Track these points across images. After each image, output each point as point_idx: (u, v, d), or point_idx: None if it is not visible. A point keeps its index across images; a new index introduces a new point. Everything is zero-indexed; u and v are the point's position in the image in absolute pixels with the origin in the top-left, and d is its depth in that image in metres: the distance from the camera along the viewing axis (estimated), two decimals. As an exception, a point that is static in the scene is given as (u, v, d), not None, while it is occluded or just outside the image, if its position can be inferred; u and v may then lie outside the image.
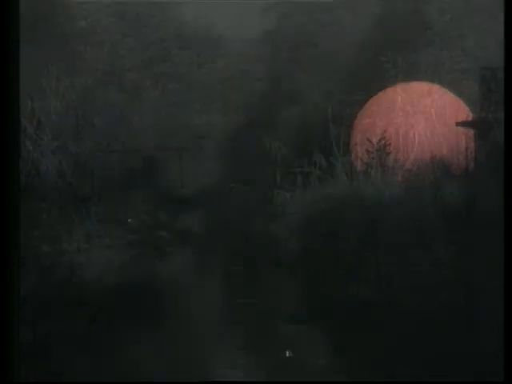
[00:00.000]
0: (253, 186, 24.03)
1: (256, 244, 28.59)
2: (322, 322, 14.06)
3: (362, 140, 22.72)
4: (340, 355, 12.10)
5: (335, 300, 15.57)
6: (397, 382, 10.01)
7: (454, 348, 11.27)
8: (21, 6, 7.71)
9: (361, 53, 28.60)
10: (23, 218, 7.52)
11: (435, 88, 22.39)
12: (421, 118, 22.01)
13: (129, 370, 11.31)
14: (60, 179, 20.39)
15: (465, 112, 21.04)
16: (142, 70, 28.95)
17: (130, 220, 16.56)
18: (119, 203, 23.94)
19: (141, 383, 10.69)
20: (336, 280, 17.35)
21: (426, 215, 16.37)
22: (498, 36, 24.18)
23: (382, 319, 13.14)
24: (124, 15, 29.25)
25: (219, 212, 43.58)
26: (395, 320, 12.91)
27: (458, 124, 20.80)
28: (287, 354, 11.29)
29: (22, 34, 7.19)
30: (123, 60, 28.38)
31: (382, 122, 22.96)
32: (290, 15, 43.99)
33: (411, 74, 23.76)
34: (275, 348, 12.40)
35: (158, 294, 17.84)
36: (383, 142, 22.32)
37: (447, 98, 21.98)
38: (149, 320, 15.20)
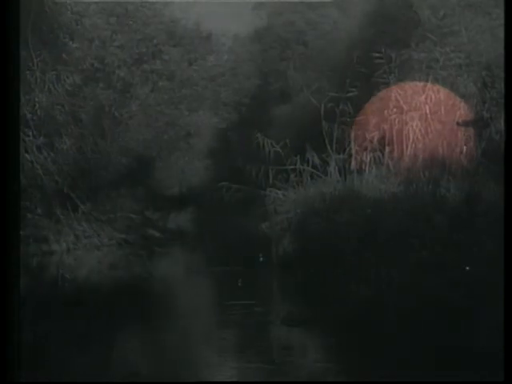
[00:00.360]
0: (244, 185, 23.64)
1: (248, 243, 28.29)
2: (320, 321, 13.74)
3: (355, 137, 22.41)
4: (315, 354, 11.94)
5: (333, 299, 15.26)
6: (397, 382, 9.90)
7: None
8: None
9: (353, 50, 28.32)
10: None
11: (429, 85, 22.07)
12: (415, 115, 21.67)
13: (115, 371, 11.11)
14: (46, 177, 19.86)
15: (460, 109, 20.76)
16: (131, 67, 28.53)
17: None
18: (107, 202, 23.52)
19: (141, 383, 10.60)
20: (330, 279, 17.05)
21: (422, 212, 16.07)
22: (491, 32, 23.96)
23: (377, 318, 12.87)
24: (113, 12, 28.85)
25: (210, 211, 43.21)
26: (384, 318, 12.66)
27: (453, 121, 20.54)
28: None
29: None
30: (112, 57, 27.94)
31: (375, 119, 22.65)
32: (281, 13, 43.75)
33: (405, 70, 23.42)
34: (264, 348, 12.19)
35: (146, 295, 17.50)
36: (377, 139, 22.05)
37: (442, 95, 21.65)
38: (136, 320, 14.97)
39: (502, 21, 23.24)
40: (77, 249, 20.09)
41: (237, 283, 19.89)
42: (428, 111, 21.53)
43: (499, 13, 23.57)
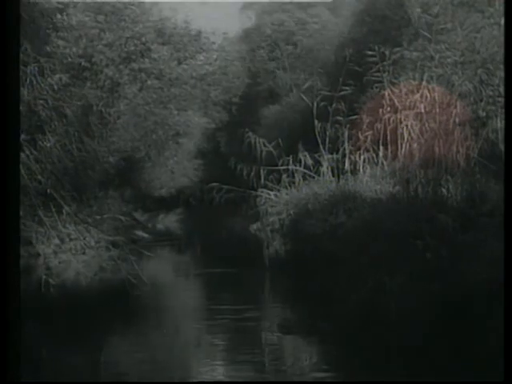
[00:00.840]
0: (235, 185, 23.15)
1: (239, 245, 27.87)
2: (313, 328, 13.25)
3: (349, 137, 21.93)
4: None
5: (329, 304, 14.77)
6: (397, 382, 9.83)
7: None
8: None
9: (345, 48, 28.02)
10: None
11: (424, 83, 21.62)
12: (410, 114, 21.19)
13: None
14: (28, 176, 19.00)
15: (457, 107, 20.32)
16: (119, 65, 27.99)
17: None
18: (93, 203, 22.94)
19: (141, 383, 10.49)
20: (323, 282, 16.56)
21: (416, 213, 15.58)
22: (485, 31, 23.65)
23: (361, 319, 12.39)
24: (101, 9, 28.32)
25: (200, 212, 42.75)
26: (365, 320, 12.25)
27: (449, 120, 20.11)
28: None
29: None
30: (100, 55, 27.38)
31: (369, 119, 22.17)
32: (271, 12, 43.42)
33: (399, 68, 22.99)
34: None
35: (133, 299, 17.05)
36: (371, 138, 21.59)
37: (437, 93, 21.21)
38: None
39: (495, 19, 22.98)
40: (61, 252, 19.45)
41: (219, 286, 19.58)
42: (423, 109, 21.06)
43: (492, 11, 23.33)
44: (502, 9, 21.83)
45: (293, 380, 10.53)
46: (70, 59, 25.35)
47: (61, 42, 24.03)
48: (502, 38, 19.82)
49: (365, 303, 12.12)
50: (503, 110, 19.59)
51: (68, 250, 19.75)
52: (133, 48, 28.43)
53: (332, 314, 13.34)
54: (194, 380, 10.67)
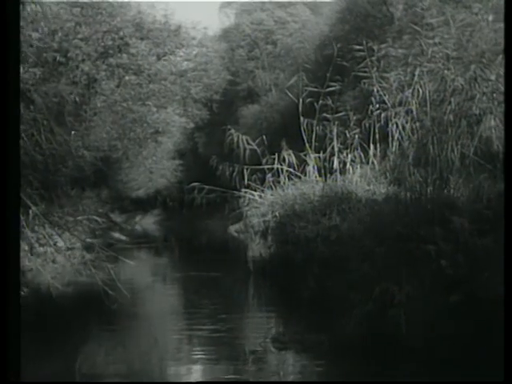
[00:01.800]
0: (217, 186, 22.23)
1: (221, 248, 27.18)
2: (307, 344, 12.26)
3: (337, 135, 21.02)
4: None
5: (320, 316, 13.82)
6: (397, 382, 9.68)
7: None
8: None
9: (325, 47, 27.47)
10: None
11: (415, 79, 20.76)
12: (400, 110, 20.33)
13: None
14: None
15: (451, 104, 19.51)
16: (96, 60, 26.99)
17: None
18: (65, 203, 21.78)
19: (141, 383, 10.45)
20: (313, 291, 15.62)
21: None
22: (474, 27, 22.99)
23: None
24: (76, 1, 27.31)
25: (179, 213, 42.01)
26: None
27: (442, 117, 19.29)
28: None
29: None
30: (76, 50, 26.36)
31: (356, 116, 21.29)
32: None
33: (388, 64, 22.15)
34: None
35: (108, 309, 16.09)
36: (359, 136, 20.72)
37: (428, 89, 20.37)
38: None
39: (483, 16, 22.31)
40: (29, 259, 18.26)
41: (200, 289, 18.87)
42: (414, 106, 20.22)
43: (480, 8, 22.83)
44: (490, 5, 21.29)
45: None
46: (44, 54, 24.32)
47: (34, 34, 22.93)
48: (491, 35, 19.26)
49: (370, 316, 11.05)
50: (498, 108, 18.83)
51: (37, 257, 18.52)
52: (110, 43, 27.45)
53: (331, 328, 12.27)
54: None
